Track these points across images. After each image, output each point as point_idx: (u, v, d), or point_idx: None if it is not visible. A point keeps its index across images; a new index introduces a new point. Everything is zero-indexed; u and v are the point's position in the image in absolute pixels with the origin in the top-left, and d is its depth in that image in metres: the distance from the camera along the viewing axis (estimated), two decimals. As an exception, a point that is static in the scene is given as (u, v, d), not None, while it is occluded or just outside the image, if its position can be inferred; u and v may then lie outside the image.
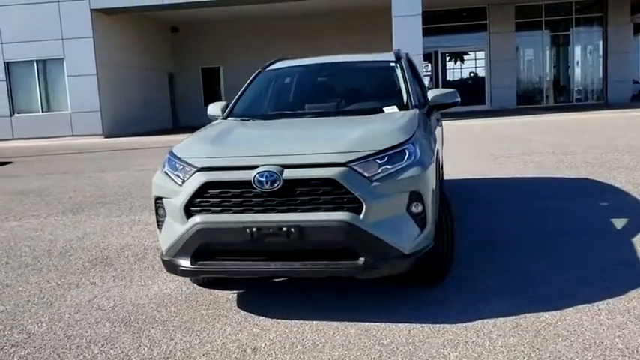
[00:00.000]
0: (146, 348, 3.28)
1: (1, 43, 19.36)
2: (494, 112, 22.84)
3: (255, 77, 5.15)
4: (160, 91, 23.90)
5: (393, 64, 4.89)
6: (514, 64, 24.66)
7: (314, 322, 3.50)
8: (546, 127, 14.89)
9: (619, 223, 5.30)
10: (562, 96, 25.93)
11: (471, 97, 24.98)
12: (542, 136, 12.66)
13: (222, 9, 21.38)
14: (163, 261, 3.65)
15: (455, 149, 11.14)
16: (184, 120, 25.05)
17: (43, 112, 19.74)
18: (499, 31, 24.42)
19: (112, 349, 3.29)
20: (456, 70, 26.03)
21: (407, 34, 18.06)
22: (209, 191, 3.41)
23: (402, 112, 4.28)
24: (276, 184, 3.28)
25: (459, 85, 25.61)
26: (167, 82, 25.11)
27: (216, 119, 4.82)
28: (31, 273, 4.79)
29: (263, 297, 3.98)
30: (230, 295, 4.03)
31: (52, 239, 5.90)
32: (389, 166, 3.41)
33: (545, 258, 4.44)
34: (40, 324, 3.70)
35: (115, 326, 3.61)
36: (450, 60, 25.75)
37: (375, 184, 3.32)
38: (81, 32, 18.94)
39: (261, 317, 3.62)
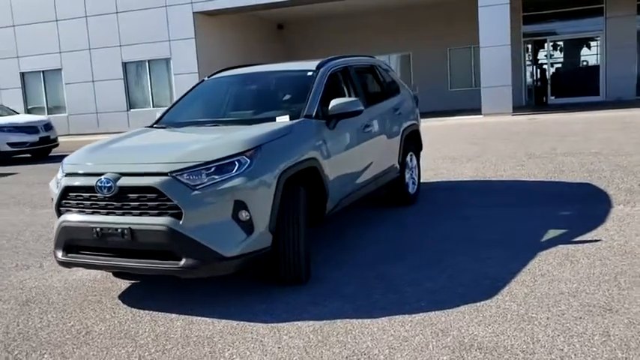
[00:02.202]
0: (14, 324, 3.94)
1: (120, 46, 21.60)
2: (608, 103, 21.03)
3: (194, 87, 5.64)
4: (263, 86, 25.08)
5: (310, 73, 5.10)
6: (634, 51, 22.47)
7: (161, 313, 3.95)
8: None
9: (553, 233, 5.07)
10: (698, 86, 23.13)
11: (583, 88, 23.26)
12: (612, 134, 11.67)
13: (327, 5, 21.89)
14: (53, 252, 4.28)
15: (497, 148, 10.76)
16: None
17: (153, 107, 21.74)
18: (617, 14, 22.37)
19: (-9, 323, 3.99)
20: (566, 59, 24.29)
21: (493, 25, 17.36)
22: (69, 194, 3.98)
23: (284, 121, 4.52)
24: (112, 190, 3.76)
25: (570, 74, 23.92)
26: (272, 77, 26.25)
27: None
28: (7, 254, 5.72)
29: (148, 289, 4.48)
30: (124, 285, 4.58)
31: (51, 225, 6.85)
32: (216, 176, 3.74)
33: (432, 268, 4.45)
34: (-34, 298, 4.52)
35: (15, 305, 4.32)
36: (560, 48, 24.10)
37: (197, 192, 3.67)
38: (184, 34, 20.57)
39: (124, 306, 4.14)
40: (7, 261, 5.52)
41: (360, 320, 3.58)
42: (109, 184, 3.76)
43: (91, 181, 3.84)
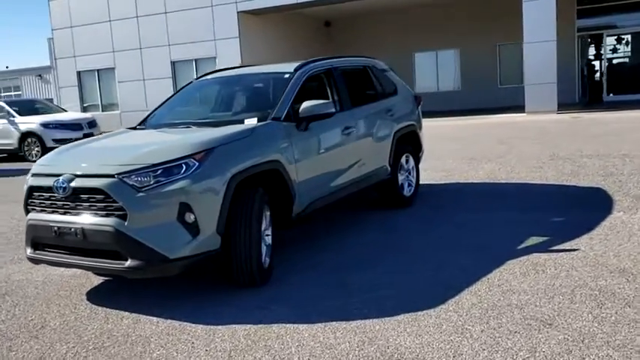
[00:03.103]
0: (-17, 316, 4.15)
1: (169, 45, 22.21)
2: (668, 101, 19.87)
3: (181, 88, 5.75)
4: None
5: (287, 75, 5.10)
6: (698, 44, 21.14)
7: (116, 311, 4.06)
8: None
9: (534, 241, 4.88)
10: None
11: (640, 84, 22.07)
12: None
13: (373, 0, 21.76)
14: (25, 248, 4.48)
15: (524, 148, 10.40)
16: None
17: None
18: (681, 6, 21.10)
19: (-36, 314, 4.23)
20: (624, 54, 23.11)
21: (538, 20, 16.74)
22: (34, 193, 4.16)
23: (249, 124, 4.55)
24: (66, 191, 3.90)
25: (628, 70, 22.78)
26: (319, 75, 26.29)
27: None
28: (10, 248, 6.04)
29: (117, 287, 4.62)
30: (97, 282, 4.74)
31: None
32: (162, 178, 3.81)
33: (399, 274, 4.38)
34: (-47, 290, 4.80)
35: (-7, 297, 4.56)
36: (617, 42, 22.96)
37: (142, 194, 3.75)
38: (229, 33, 20.93)
39: (87, 302, 4.29)
40: (7, 254, 5.81)
41: (295, 326, 3.57)
42: (63, 185, 3.90)
43: (50, 182, 4.00)
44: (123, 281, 4.67)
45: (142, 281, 4.54)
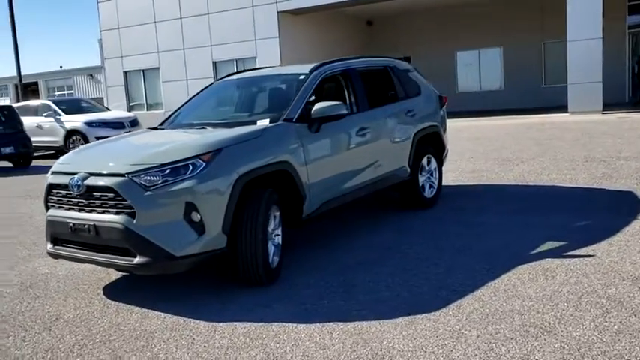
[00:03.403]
0: (4, 307, 4.35)
1: (211, 46, 22.59)
2: None
3: (203, 88, 5.86)
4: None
5: (302, 76, 5.14)
6: None
7: (127, 305, 4.20)
8: None
9: (550, 245, 4.77)
10: None
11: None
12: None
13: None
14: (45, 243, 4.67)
15: (560, 149, 10.14)
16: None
17: (240, 104, 22.55)
18: None
19: (-11, 304, 4.45)
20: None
21: (583, 17, 16.25)
22: (52, 191, 4.34)
23: (260, 125, 4.61)
24: (81, 189, 4.06)
25: (681, 69, 21.80)
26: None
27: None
28: (42, 242, 6.26)
29: (133, 282, 4.76)
30: (116, 277, 4.90)
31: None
32: (170, 178, 3.91)
33: (403, 275, 4.37)
34: (-17, 281, 5.05)
35: (17, 289, 4.78)
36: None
37: (150, 193, 3.87)
38: (269, 33, 21.12)
39: (102, 296, 4.44)
40: (38, 249, 6.06)
41: (294, 325, 3.61)
42: (78, 183, 4.06)
43: (66, 180, 4.16)
44: (139, 277, 4.80)
45: (157, 277, 4.67)
